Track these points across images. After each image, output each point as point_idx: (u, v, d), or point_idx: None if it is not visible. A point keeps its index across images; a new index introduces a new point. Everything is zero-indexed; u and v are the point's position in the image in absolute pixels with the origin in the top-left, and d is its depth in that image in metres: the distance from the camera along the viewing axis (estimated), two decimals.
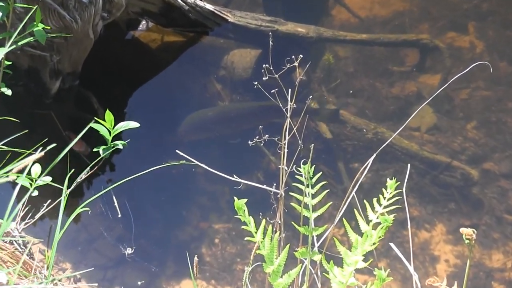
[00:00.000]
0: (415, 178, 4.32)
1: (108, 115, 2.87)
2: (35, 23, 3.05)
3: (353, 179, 2.46)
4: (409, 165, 2.89)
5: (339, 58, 4.85)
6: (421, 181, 4.33)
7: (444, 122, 4.58)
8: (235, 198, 1.97)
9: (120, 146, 2.93)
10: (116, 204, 3.99)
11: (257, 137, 2.30)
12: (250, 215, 2.06)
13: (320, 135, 4.47)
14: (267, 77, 2.27)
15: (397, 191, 2.09)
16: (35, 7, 3.16)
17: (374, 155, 2.43)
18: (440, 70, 4.76)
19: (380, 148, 2.47)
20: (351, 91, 4.68)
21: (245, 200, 1.97)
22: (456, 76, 2.86)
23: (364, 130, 4.49)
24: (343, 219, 2.15)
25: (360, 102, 4.66)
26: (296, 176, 2.23)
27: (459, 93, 4.69)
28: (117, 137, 2.91)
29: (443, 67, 4.76)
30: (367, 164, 2.42)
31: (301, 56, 2.28)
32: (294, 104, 2.29)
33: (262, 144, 2.31)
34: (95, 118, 2.90)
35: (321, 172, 2.23)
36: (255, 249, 1.95)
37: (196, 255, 2.14)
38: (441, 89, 2.88)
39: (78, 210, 2.49)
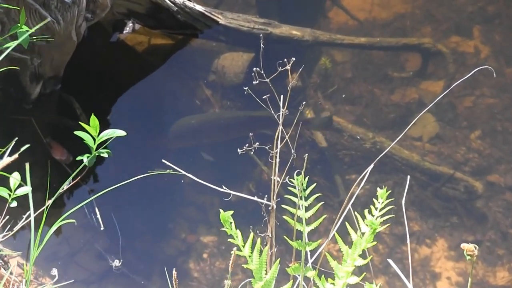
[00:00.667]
0: (415, 190, 4.36)
1: (93, 120, 2.87)
2: (18, 25, 3.06)
3: (349, 191, 2.47)
4: (408, 176, 2.92)
5: (336, 63, 4.88)
6: (422, 193, 4.36)
7: (447, 131, 4.61)
8: (221, 210, 1.99)
9: (105, 155, 2.94)
10: (98, 215, 4.01)
11: (247, 145, 2.32)
12: (241, 228, 2.08)
13: (316, 144, 4.50)
14: (257, 81, 2.29)
15: (389, 200, 2.12)
16: (20, 8, 3.18)
17: (372, 165, 2.46)
18: (443, 76, 4.79)
19: (378, 158, 2.50)
20: (343, 95, 4.70)
21: (231, 212, 2.00)
22: (459, 81, 2.87)
23: (359, 138, 4.52)
24: (336, 233, 2.17)
25: (358, 109, 4.70)
26: (289, 188, 2.25)
27: (463, 101, 4.73)
28: (101, 144, 2.92)
29: (446, 73, 4.79)
30: (364, 175, 2.45)
31: (294, 59, 2.30)
32: (287, 111, 2.31)
33: (252, 153, 2.33)
34: (79, 124, 2.91)
35: (315, 184, 2.26)
36: (232, 261, 1.98)
37: (174, 269, 2.16)
38: (442, 95, 2.90)
39: (59, 222, 2.50)
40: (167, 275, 2.43)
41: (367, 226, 2.07)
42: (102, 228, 4.00)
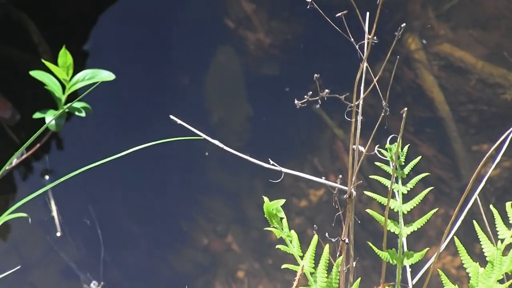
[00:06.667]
0: None
1: (64, 54, 2.91)
2: None
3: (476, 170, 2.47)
4: None
5: None
6: None
7: None
8: (265, 199, 2.00)
9: (81, 113, 2.97)
10: (54, 212, 4.05)
11: (310, 93, 2.29)
12: (301, 230, 2.09)
13: (424, 93, 4.50)
14: None
15: None
16: None
17: None
18: None
19: None
20: None
21: (283, 201, 2.00)
22: None
23: (494, 84, 4.52)
24: (456, 237, 2.17)
25: (493, 37, 4.68)
26: (377, 164, 2.25)
27: None
28: (74, 95, 2.95)
29: None
30: (501, 143, 2.44)
31: None
32: (375, 38, 2.30)
33: (318, 106, 2.32)
34: (37, 59, 2.95)
35: (419, 157, 2.26)
36: (297, 281, 1.99)
37: None
38: None
39: (3, 218, 2.53)
40: None
41: None
42: (58, 234, 4.05)
